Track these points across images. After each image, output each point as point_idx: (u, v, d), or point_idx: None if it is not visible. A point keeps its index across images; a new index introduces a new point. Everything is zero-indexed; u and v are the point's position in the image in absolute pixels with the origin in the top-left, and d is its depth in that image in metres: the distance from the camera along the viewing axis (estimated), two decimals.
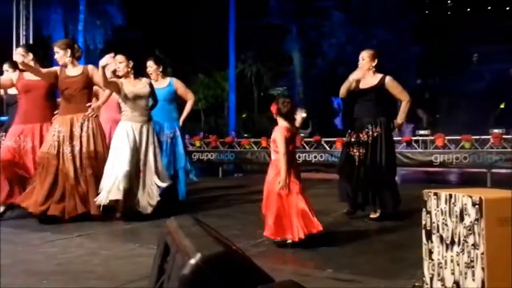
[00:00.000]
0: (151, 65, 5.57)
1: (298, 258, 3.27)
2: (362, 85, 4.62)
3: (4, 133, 5.21)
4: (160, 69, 5.62)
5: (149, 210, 4.58)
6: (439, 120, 24.12)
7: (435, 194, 2.20)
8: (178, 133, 5.58)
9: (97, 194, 4.48)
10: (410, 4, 23.06)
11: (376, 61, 4.60)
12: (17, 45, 10.72)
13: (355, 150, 4.49)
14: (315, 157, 10.49)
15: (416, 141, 10.00)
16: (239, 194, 7.11)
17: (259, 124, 26.54)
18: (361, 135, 4.47)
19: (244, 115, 29.33)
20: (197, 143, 11.87)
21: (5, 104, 5.53)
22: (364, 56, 4.63)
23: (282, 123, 3.54)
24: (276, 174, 3.42)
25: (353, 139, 4.55)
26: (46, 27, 19.93)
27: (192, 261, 1.13)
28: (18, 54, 4.92)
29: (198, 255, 1.14)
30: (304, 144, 10.75)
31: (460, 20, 29.23)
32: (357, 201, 4.51)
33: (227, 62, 24.21)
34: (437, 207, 2.19)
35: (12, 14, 10.83)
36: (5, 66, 5.47)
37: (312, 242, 3.43)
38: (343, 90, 4.66)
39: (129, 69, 4.80)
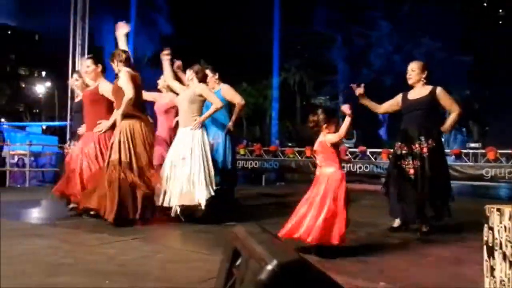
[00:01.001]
0: (207, 74, 5.74)
1: (349, 269, 3.24)
2: (412, 96, 4.56)
3: (71, 139, 5.54)
4: (216, 77, 5.84)
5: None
6: (488, 132, 23.30)
7: (498, 210, 2.16)
8: (219, 140, 5.67)
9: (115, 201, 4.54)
10: (459, 13, 22.47)
11: (426, 72, 4.54)
12: (73, 55, 11.25)
13: (406, 163, 4.41)
14: (359, 167, 10.39)
15: (466, 154, 9.73)
16: (285, 202, 7.12)
17: (302, 133, 26.58)
18: (413, 147, 4.40)
19: (288, 124, 29.37)
20: (242, 151, 12.00)
21: (72, 111, 5.83)
22: (414, 68, 4.57)
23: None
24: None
25: (404, 151, 4.47)
26: (98, 36, 20.85)
27: (269, 267, 1.18)
28: (85, 66, 5.23)
29: (275, 261, 1.19)
30: (349, 155, 10.66)
31: None
32: (408, 215, 4.42)
33: (270, 70, 24.38)
34: (500, 223, 2.14)
35: (69, 24, 11.34)
36: (75, 76, 5.79)
37: (361, 252, 3.42)
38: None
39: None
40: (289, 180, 13.02)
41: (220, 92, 5.75)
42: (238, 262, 1.52)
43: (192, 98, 4.90)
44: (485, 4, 32.89)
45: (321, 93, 31.45)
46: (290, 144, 14.96)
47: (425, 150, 4.34)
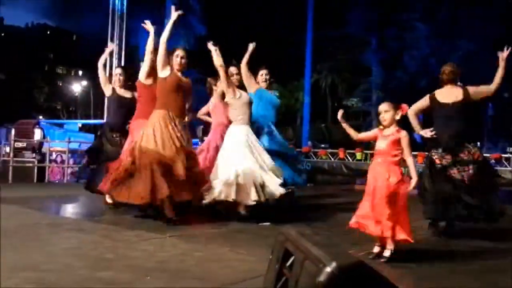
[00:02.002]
0: (266, 73, 5.93)
1: (389, 274, 3.16)
2: (446, 100, 4.43)
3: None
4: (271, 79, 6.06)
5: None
6: None
7: None
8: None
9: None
10: (497, 15, 21.80)
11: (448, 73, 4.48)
12: (111, 53, 11.48)
13: (456, 171, 4.26)
14: None
15: (507, 159, 9.42)
16: (319, 204, 7.09)
17: (334, 135, 26.37)
18: (462, 155, 4.27)
19: (323, 125, 29.25)
20: None
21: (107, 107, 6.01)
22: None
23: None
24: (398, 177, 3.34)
25: (449, 159, 4.30)
26: (134, 36, 21.26)
27: (328, 269, 1.17)
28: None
29: (334, 264, 1.17)
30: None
31: None
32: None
33: (302, 72, 24.23)
34: None
35: (108, 24, 11.60)
36: (118, 70, 5.99)
37: (402, 258, 3.34)
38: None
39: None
40: (320, 181, 12.92)
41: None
42: (288, 263, 1.50)
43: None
44: None
45: (353, 95, 31.10)
46: (322, 145, 14.83)
47: (474, 157, 4.31)
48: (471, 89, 4.42)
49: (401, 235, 3.28)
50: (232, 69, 5.37)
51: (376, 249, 3.41)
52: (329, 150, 11.68)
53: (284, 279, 1.51)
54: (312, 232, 1.57)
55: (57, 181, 10.93)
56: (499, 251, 3.92)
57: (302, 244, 1.41)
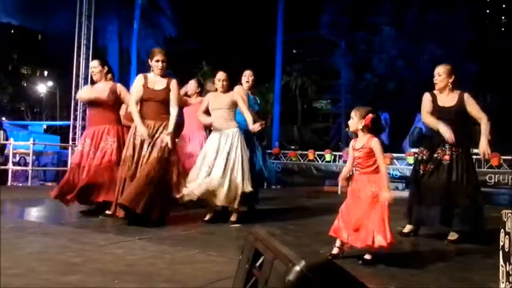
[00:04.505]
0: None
1: (361, 273, 3.20)
2: (442, 103, 4.34)
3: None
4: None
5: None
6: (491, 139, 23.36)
7: None
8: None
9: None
10: (465, 20, 22.47)
11: (453, 77, 4.31)
12: (78, 54, 11.26)
13: (428, 167, 4.29)
14: None
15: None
16: (289, 205, 7.13)
17: (303, 136, 26.65)
18: (440, 152, 4.27)
19: (296, 126, 29.48)
20: None
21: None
22: (441, 72, 4.33)
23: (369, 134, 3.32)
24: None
25: (425, 157, 4.33)
26: (102, 37, 20.97)
27: (297, 268, 1.18)
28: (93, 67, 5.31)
29: (303, 262, 1.18)
30: None
31: None
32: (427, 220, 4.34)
33: (272, 74, 24.37)
34: None
35: (75, 24, 11.35)
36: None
37: (373, 257, 3.40)
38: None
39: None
40: (290, 183, 13.01)
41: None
42: (258, 263, 1.51)
43: (230, 104, 5.10)
44: (487, 11, 33.02)
45: (323, 98, 31.47)
46: (292, 147, 14.90)
47: (449, 157, 4.22)
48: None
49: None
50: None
51: (335, 250, 3.44)
52: (299, 152, 11.78)
53: (253, 279, 1.52)
54: (282, 232, 1.58)
55: (20, 184, 10.63)
56: (464, 248, 4.04)
57: (271, 244, 1.42)
